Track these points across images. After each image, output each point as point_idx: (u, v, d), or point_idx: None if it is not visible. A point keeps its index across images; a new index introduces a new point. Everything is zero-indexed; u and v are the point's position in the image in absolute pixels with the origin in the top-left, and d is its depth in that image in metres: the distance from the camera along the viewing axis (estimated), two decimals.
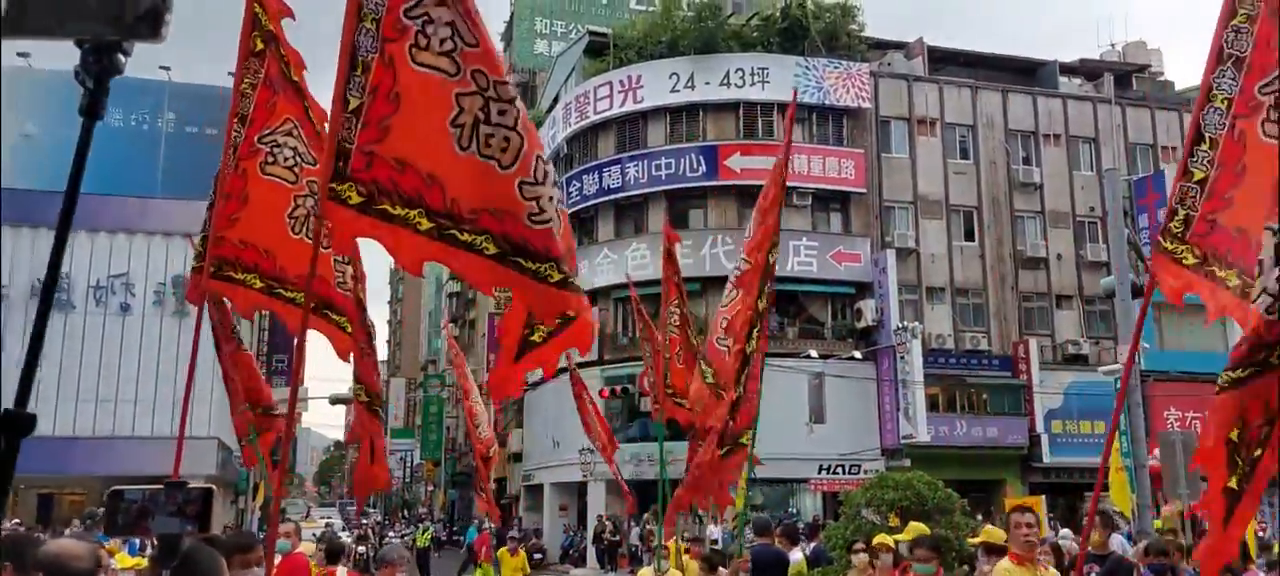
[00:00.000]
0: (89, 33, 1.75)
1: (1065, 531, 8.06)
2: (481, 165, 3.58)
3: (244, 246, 5.03)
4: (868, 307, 32.21)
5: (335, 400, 37.09)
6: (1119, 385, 14.52)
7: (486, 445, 12.51)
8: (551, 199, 3.65)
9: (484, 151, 3.58)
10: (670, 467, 10.02)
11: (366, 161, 3.58)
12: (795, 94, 7.77)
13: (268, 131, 5.01)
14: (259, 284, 5.06)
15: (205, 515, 2.54)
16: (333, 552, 9.24)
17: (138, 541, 8.43)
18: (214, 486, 2.68)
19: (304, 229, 5.02)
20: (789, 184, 34.58)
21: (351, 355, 5.19)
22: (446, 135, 3.58)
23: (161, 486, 2.56)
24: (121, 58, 1.79)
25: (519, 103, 3.66)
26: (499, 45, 29.33)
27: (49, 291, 1.88)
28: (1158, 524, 7.67)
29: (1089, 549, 7.07)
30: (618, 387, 30.96)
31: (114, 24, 1.75)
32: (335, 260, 5.04)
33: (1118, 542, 8.45)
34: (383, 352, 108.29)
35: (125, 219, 28.12)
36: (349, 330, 5.09)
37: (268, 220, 4.95)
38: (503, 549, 14.88)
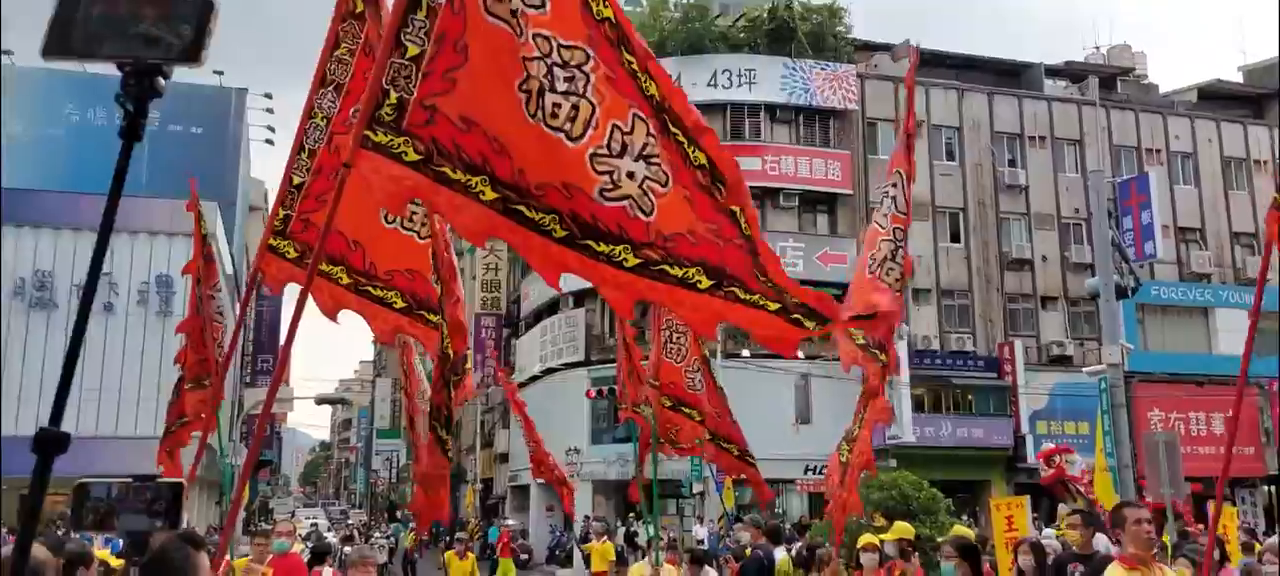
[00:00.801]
0: (130, 56, 1.74)
1: (1048, 530, 8.11)
2: (548, 137, 3.18)
3: (330, 234, 4.48)
4: None
5: (321, 400, 36.91)
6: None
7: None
8: (632, 174, 3.21)
9: (550, 123, 3.18)
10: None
11: (428, 116, 3.12)
12: (916, 53, 7.02)
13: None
14: (346, 280, 4.38)
15: (174, 511, 2.48)
16: (318, 554, 9.25)
17: (120, 541, 8.38)
18: (183, 481, 2.63)
19: (399, 219, 4.43)
20: (775, 186, 34.38)
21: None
22: (516, 98, 3.16)
23: (129, 480, 2.49)
24: (161, 81, 1.77)
25: (593, 66, 3.20)
26: None
27: (87, 304, 1.81)
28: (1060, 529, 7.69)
29: (1073, 549, 7.12)
30: (603, 389, 30.93)
31: (155, 48, 1.74)
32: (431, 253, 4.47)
33: (1101, 542, 8.49)
34: (368, 352, 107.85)
35: None
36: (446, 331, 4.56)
37: (359, 206, 4.14)
38: (450, 552, 13.86)
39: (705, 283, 3.25)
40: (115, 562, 6.99)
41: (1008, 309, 34.68)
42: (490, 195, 3.16)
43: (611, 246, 3.21)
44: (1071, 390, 31.30)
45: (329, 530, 38.79)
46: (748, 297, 3.27)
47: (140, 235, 28.78)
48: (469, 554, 13.68)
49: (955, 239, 34.74)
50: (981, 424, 32.64)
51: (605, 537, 16.27)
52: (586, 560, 16.26)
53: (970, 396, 33.10)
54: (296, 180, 4.60)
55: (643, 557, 11.19)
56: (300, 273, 4.32)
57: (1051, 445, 14.43)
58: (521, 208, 3.18)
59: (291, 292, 4.45)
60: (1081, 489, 11.07)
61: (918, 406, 31.51)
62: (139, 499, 2.47)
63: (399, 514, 52.54)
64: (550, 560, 32.97)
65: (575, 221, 3.20)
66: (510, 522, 31.26)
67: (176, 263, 28.45)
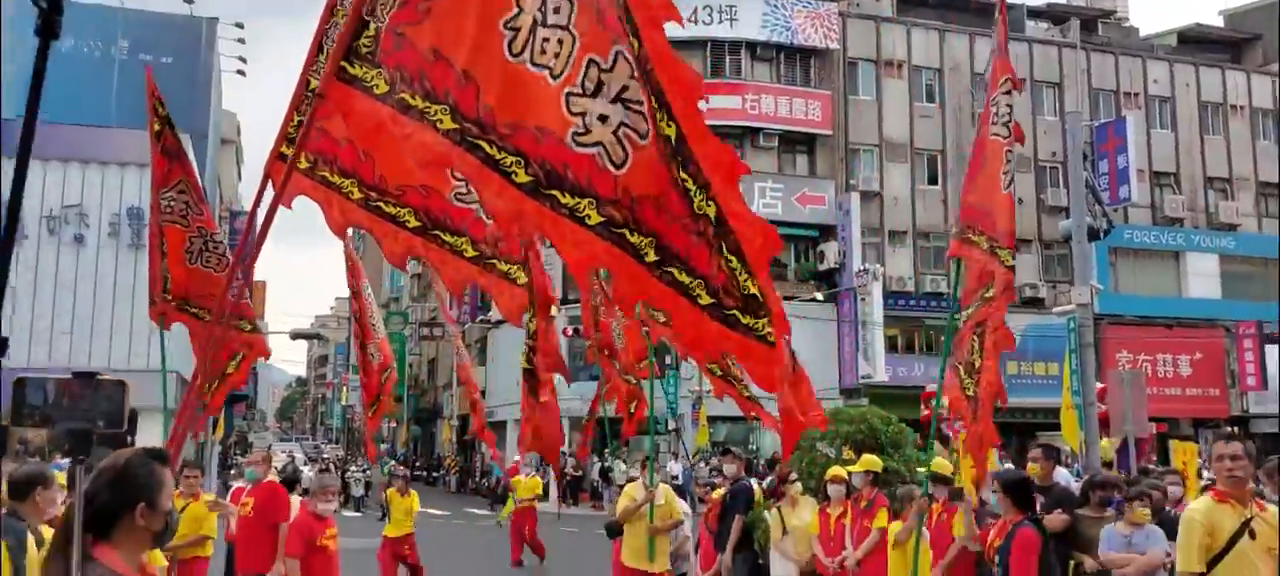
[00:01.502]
0: None
1: (1009, 466, 8.37)
2: (532, 75, 3.03)
3: (344, 143, 3.93)
4: (831, 250, 32.43)
5: (296, 335, 36.80)
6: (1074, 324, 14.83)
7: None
8: (605, 117, 3.00)
9: (537, 60, 3.02)
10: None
11: (396, 42, 3.07)
12: None
13: None
14: (358, 194, 3.97)
15: (118, 412, 2.41)
16: (288, 482, 9.29)
17: None
18: (125, 381, 2.55)
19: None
20: (754, 125, 34.29)
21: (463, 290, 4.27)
22: (497, 35, 3.03)
23: (68, 377, 2.42)
24: None
25: None
26: None
27: (13, 219, 1.77)
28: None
29: (1035, 482, 7.28)
30: (580, 327, 30.99)
31: None
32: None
33: (1062, 476, 8.69)
34: (345, 288, 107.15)
35: (78, 148, 27.46)
36: (469, 253, 4.12)
37: (372, 114, 3.84)
38: (391, 489, 13.07)
39: (652, 256, 3.03)
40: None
41: None
42: (448, 124, 3.04)
43: (576, 199, 3.01)
44: (1042, 331, 31.67)
45: (305, 464, 38.93)
46: (681, 281, 3.03)
47: (111, 166, 28.35)
48: (410, 492, 13.16)
49: (933, 181, 34.83)
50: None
51: (532, 473, 16.48)
52: (511, 494, 16.34)
53: (943, 337, 33.41)
54: (313, 83, 4.02)
55: (618, 493, 11.30)
56: (310, 183, 3.91)
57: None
58: (482, 143, 3.04)
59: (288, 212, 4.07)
60: (950, 435, 10.91)
61: (891, 347, 31.84)
62: (80, 398, 2.39)
63: (381, 448, 52.87)
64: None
65: (543, 168, 3.02)
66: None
67: (148, 194, 28.10)
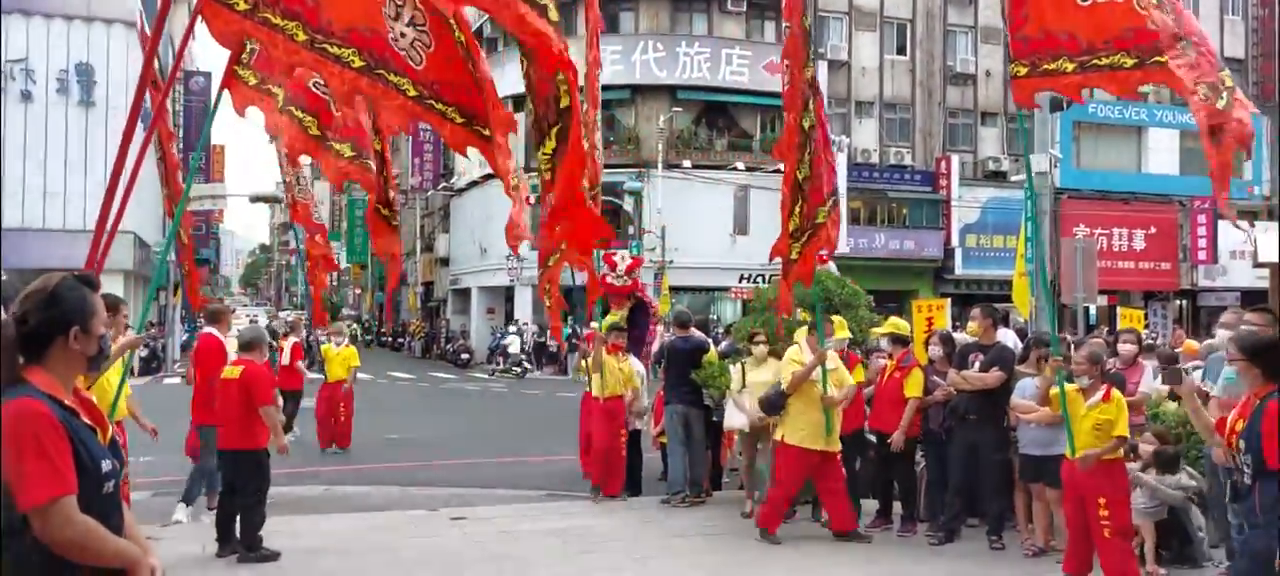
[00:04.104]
0: None
1: (960, 334, 8.60)
2: None
3: None
4: None
5: (256, 198, 36.31)
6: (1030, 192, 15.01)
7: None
8: (404, 34, 4.25)
9: None
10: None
11: None
12: None
13: None
14: (302, 36, 4.27)
15: None
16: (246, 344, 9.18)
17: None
18: None
19: None
20: None
21: (403, 125, 4.71)
22: None
23: None
24: None
25: None
26: None
27: None
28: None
29: (976, 338, 7.48)
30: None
31: None
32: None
33: (1008, 337, 8.94)
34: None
35: None
36: (411, 93, 4.34)
37: None
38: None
39: (459, 119, 4.38)
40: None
41: (948, 123, 34.93)
42: (302, 37, 4.21)
43: (399, 77, 4.27)
44: (1003, 204, 32.05)
45: (267, 327, 39.00)
46: (476, 129, 4.41)
47: (56, 20, 27.31)
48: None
49: (901, 51, 34.52)
50: (914, 236, 33.40)
51: (346, 343, 13.90)
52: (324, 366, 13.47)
53: (905, 210, 33.71)
54: None
55: (580, 359, 11.30)
56: (252, 25, 4.36)
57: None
58: (327, 45, 4.24)
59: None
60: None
61: (853, 218, 32.06)
62: None
63: (343, 313, 52.92)
64: (490, 359, 33.67)
65: (372, 55, 4.25)
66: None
67: (97, 48, 27.18)
